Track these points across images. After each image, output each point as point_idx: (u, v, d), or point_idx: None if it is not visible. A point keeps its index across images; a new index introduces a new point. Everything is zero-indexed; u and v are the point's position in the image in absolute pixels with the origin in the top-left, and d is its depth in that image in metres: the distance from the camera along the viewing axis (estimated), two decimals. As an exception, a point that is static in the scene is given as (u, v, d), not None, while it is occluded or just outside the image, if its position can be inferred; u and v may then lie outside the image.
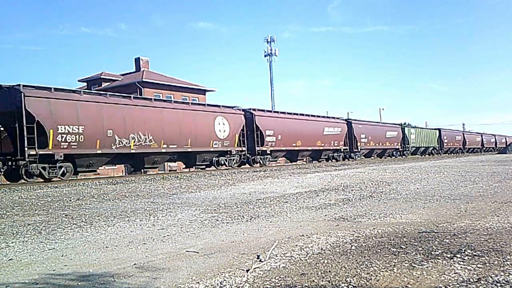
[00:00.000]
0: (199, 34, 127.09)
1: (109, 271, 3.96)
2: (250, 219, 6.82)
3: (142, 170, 20.86)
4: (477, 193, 9.38)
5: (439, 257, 3.92)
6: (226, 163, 23.68)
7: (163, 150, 20.06)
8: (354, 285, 3.27)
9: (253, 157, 25.42)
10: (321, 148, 31.36)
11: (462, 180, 12.97)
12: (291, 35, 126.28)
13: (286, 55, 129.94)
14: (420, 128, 49.72)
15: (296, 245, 4.68)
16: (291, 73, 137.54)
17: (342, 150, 33.96)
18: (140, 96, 25.28)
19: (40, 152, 15.48)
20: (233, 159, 24.17)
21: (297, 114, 29.87)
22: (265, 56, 59.49)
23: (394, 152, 41.89)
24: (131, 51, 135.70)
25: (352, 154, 34.93)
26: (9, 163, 15.72)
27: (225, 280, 3.51)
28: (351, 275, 3.49)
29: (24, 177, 15.58)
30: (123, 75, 46.53)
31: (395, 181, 12.94)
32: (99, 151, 17.27)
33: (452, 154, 52.01)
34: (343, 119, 35.93)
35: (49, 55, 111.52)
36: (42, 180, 16.09)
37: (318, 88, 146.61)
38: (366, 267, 3.70)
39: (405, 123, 49.26)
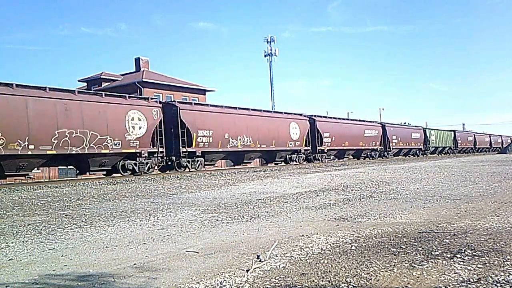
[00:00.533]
0: (199, 34, 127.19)
1: (109, 271, 3.96)
2: (250, 219, 6.82)
3: (242, 164, 25.97)
4: (477, 193, 9.38)
5: (439, 257, 3.92)
6: (296, 160, 28.60)
7: (257, 149, 25.15)
8: (354, 285, 3.27)
9: (313, 155, 30.05)
10: (363, 147, 35.93)
11: (462, 180, 12.97)
12: (291, 35, 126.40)
13: (286, 55, 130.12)
14: (439, 130, 53.53)
15: (296, 245, 4.68)
16: (291, 73, 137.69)
17: (378, 149, 38.32)
18: (242, 107, 24.87)
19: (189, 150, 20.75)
20: (301, 157, 28.95)
21: (344, 119, 37.08)
22: (265, 56, 59.56)
23: (417, 151, 45.62)
24: (131, 51, 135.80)
25: (385, 153, 39.39)
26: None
27: (225, 280, 3.51)
28: (351, 275, 3.49)
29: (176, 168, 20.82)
30: (123, 75, 46.53)
31: (395, 181, 12.94)
32: (220, 149, 22.65)
33: (464, 153, 54.93)
34: (378, 123, 40.97)
35: (49, 55, 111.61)
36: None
37: (318, 88, 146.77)
38: (366, 267, 3.70)
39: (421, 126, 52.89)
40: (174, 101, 23.24)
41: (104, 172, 19.13)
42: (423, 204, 7.93)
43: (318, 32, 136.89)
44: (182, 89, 44.43)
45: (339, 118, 34.98)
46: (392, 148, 40.32)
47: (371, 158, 36.88)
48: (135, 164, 18.68)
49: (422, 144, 46.00)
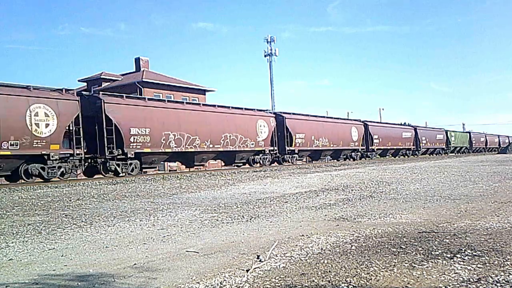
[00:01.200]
0: (199, 34, 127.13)
1: (109, 271, 3.96)
2: (250, 219, 6.82)
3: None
4: (477, 193, 9.38)
5: (439, 257, 3.92)
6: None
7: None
8: (354, 285, 3.27)
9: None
10: (400, 147, 41.47)
11: (462, 180, 12.97)
12: (291, 35, 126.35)
13: (286, 55, 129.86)
14: (457, 132, 60.84)
15: (296, 245, 4.68)
16: (291, 73, 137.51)
17: (411, 148, 43.53)
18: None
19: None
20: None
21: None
22: (265, 56, 59.36)
23: (440, 151, 51.45)
24: (131, 51, 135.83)
25: (416, 152, 44.69)
26: None
27: (225, 280, 3.51)
28: (351, 275, 3.49)
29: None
30: (123, 75, 46.51)
31: (395, 181, 12.94)
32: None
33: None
34: (411, 126, 46.18)
35: (49, 55, 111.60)
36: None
37: (318, 88, 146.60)
38: (366, 267, 3.70)
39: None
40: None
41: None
42: (423, 204, 7.93)
43: (318, 32, 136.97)
44: (182, 89, 44.41)
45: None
46: (422, 148, 45.68)
47: (406, 156, 39.58)
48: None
49: (445, 145, 52.89)
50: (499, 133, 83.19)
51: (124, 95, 19.64)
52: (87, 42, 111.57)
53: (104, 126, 17.52)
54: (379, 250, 4.30)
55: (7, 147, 14.55)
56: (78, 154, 16.78)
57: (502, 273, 3.38)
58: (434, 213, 6.82)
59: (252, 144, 24.69)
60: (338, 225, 6.05)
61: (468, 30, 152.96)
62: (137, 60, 46.65)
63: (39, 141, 15.33)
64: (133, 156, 18.56)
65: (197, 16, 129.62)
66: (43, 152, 15.52)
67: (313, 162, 32.45)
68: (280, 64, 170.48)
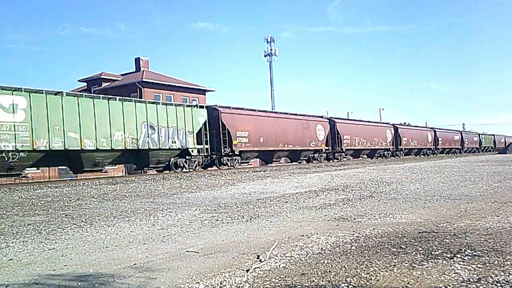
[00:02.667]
0: (199, 34, 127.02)
1: (109, 271, 3.97)
2: (250, 219, 6.82)
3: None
4: (477, 193, 9.38)
5: (439, 257, 3.92)
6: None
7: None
8: (354, 285, 3.27)
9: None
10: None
11: (462, 180, 12.97)
12: (291, 35, 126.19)
13: (286, 55, 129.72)
14: (487, 135, 72.45)
15: (296, 245, 4.68)
16: (291, 73, 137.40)
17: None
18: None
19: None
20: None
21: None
22: (265, 56, 59.42)
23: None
24: (131, 51, 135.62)
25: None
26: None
27: (225, 280, 3.51)
28: (351, 275, 3.49)
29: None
30: (123, 75, 46.51)
31: (395, 181, 12.94)
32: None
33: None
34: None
35: (49, 55, 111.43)
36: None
37: (318, 88, 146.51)
38: (366, 267, 3.70)
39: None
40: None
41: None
42: (423, 204, 7.93)
43: (318, 32, 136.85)
44: (182, 89, 44.40)
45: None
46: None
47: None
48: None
49: (478, 145, 64.77)
50: (500, 133, 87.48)
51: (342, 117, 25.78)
52: (87, 42, 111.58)
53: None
54: (379, 250, 4.30)
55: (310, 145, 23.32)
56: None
57: (502, 273, 3.38)
58: (434, 213, 6.82)
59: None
60: (338, 225, 6.05)
61: (468, 30, 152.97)
62: (137, 60, 46.65)
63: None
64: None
65: (197, 16, 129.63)
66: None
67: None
68: (280, 64, 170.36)
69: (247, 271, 3.73)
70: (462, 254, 3.99)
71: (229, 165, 23.40)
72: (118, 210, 8.19)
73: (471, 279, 3.28)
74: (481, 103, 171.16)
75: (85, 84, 45.36)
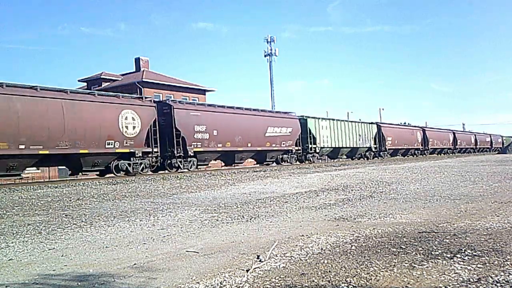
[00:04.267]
0: (199, 34, 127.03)
1: (109, 271, 3.96)
2: (250, 219, 6.81)
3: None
4: (477, 193, 9.38)
5: (439, 257, 3.92)
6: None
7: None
8: (354, 285, 3.27)
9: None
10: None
11: (462, 180, 12.97)
12: (291, 35, 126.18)
13: (286, 55, 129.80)
14: (509, 137, 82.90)
15: (296, 245, 4.68)
16: (291, 73, 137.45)
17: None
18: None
19: None
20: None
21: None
22: (265, 56, 59.40)
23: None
24: (131, 51, 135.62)
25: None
26: None
27: (225, 280, 3.51)
28: (351, 275, 3.49)
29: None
30: (123, 75, 46.52)
31: (395, 181, 12.94)
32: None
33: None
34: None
35: (49, 55, 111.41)
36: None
37: (317, 88, 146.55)
38: (366, 267, 3.70)
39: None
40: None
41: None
42: (423, 204, 7.93)
43: (318, 32, 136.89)
44: (182, 89, 44.42)
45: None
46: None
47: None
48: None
49: (501, 146, 73.44)
50: (500, 133, 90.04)
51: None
52: (87, 42, 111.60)
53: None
54: (379, 250, 4.29)
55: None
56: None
57: (502, 273, 3.38)
58: (434, 213, 6.82)
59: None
60: (338, 225, 6.05)
61: (468, 30, 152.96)
62: (137, 60, 46.67)
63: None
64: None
65: (197, 16, 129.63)
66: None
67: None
68: (280, 64, 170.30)
69: (247, 271, 3.73)
70: (462, 254, 3.99)
71: (383, 157, 33.19)
72: (118, 210, 8.18)
73: (471, 279, 3.28)
74: (481, 103, 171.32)
75: (85, 84, 45.37)
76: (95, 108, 17.12)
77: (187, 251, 4.69)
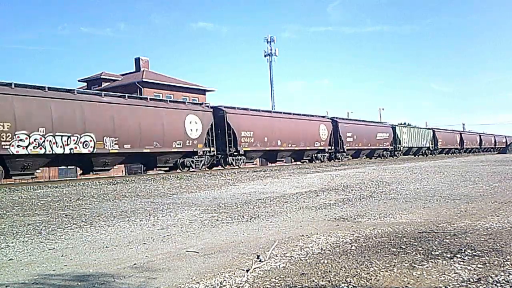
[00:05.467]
0: (199, 34, 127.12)
1: (109, 271, 3.96)
2: (250, 219, 6.81)
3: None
4: (477, 193, 9.38)
5: (439, 257, 3.92)
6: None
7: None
8: (354, 285, 3.26)
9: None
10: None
11: (462, 180, 12.97)
12: (291, 35, 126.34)
13: (286, 55, 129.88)
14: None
15: (296, 245, 4.68)
16: (291, 73, 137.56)
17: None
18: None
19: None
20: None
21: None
22: (265, 56, 59.45)
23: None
24: (131, 51, 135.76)
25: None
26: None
27: (225, 280, 3.51)
28: (351, 275, 3.49)
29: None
30: (123, 75, 46.53)
31: (395, 181, 12.94)
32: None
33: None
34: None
35: (49, 55, 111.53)
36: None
37: (318, 88, 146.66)
38: (366, 267, 3.70)
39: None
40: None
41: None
42: (423, 204, 7.93)
43: (318, 32, 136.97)
44: (182, 89, 44.43)
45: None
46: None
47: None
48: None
49: (505, 145, 73.38)
50: (500, 133, 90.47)
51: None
52: (87, 42, 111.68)
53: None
54: (379, 250, 4.29)
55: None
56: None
57: (502, 273, 3.38)
58: (434, 213, 6.81)
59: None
60: (338, 225, 6.05)
61: (468, 30, 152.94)
62: (137, 60, 46.67)
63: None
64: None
65: (197, 16, 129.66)
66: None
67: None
68: (280, 64, 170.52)
69: (247, 271, 3.73)
70: (462, 254, 3.99)
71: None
72: (118, 210, 8.18)
73: (471, 279, 3.28)
74: (481, 103, 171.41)
75: (85, 84, 45.37)
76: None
77: (187, 251, 4.69)
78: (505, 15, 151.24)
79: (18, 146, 14.63)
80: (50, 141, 15.47)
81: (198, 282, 3.47)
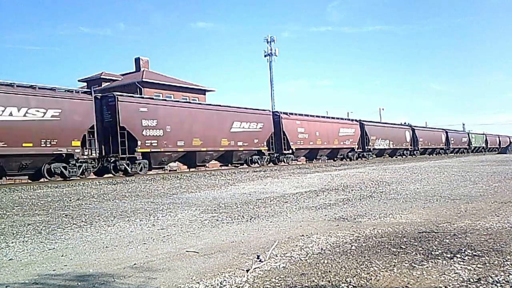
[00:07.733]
0: (199, 34, 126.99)
1: (109, 271, 3.96)
2: (250, 219, 6.81)
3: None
4: (477, 193, 9.38)
5: (439, 257, 3.92)
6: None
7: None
8: (354, 285, 3.26)
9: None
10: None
11: (462, 180, 12.97)
12: (291, 35, 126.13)
13: (286, 55, 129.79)
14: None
15: (296, 245, 4.68)
16: (291, 73, 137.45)
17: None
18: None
19: None
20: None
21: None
22: (265, 56, 59.28)
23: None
24: (131, 51, 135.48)
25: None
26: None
27: (225, 280, 3.51)
28: (351, 275, 3.49)
29: None
30: (123, 75, 46.49)
31: (395, 181, 12.94)
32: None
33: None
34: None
35: (48, 55, 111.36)
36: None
37: (318, 88, 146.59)
38: (366, 267, 3.70)
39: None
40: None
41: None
42: (423, 204, 7.93)
43: (318, 31, 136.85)
44: (182, 89, 44.39)
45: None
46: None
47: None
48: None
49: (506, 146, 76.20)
50: (500, 133, 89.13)
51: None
52: (87, 42, 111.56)
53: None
54: (379, 250, 4.29)
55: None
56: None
57: (502, 273, 3.38)
58: (434, 213, 6.81)
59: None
60: (338, 225, 6.05)
61: (468, 30, 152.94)
62: (137, 60, 46.63)
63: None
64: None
65: (197, 16, 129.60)
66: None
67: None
68: (280, 64, 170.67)
69: (247, 271, 3.73)
70: (462, 254, 3.99)
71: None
72: (118, 210, 8.18)
73: (471, 279, 3.28)
74: (481, 103, 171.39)
75: (85, 84, 45.34)
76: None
77: (187, 251, 4.69)
78: (505, 15, 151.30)
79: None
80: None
81: (198, 282, 3.47)
